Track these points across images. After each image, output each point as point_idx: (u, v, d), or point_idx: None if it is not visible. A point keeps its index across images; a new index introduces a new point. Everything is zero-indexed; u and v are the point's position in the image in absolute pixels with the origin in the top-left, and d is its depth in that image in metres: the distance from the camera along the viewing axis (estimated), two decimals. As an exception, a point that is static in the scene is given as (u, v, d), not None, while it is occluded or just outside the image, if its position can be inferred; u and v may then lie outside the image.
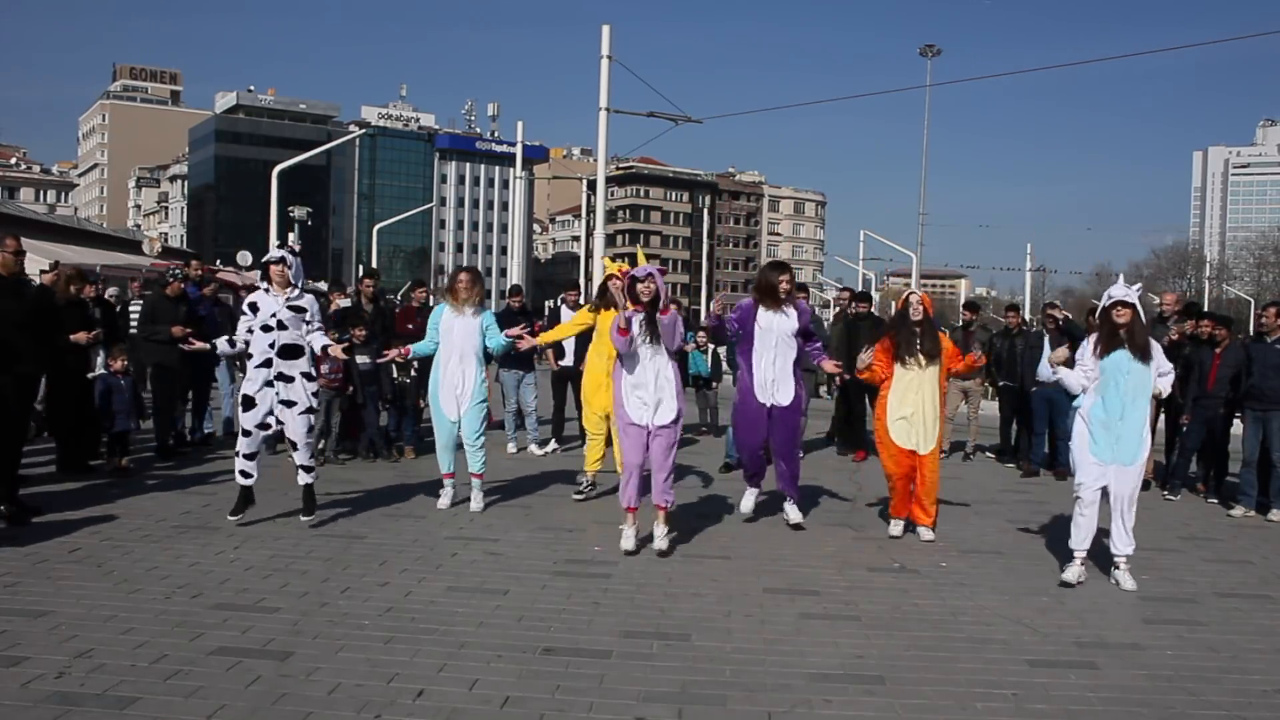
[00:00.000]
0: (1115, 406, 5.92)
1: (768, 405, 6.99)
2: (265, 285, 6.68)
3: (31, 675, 3.92)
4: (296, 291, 6.65)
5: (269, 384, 6.54)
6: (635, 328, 6.18)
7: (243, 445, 6.55)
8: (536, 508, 7.57)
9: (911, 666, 4.42)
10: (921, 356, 6.84)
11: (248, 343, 6.61)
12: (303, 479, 6.68)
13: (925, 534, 6.94)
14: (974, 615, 5.23)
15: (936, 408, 6.92)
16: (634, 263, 6.74)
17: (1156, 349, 6.11)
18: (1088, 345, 6.13)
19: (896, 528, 7.03)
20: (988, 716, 3.93)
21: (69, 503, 6.98)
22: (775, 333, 6.95)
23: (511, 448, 10.38)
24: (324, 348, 6.76)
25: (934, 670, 4.38)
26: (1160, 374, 6.10)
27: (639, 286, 6.26)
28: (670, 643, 4.61)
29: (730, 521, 7.29)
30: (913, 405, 6.86)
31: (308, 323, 6.67)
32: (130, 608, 4.79)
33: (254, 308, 6.60)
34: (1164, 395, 6.52)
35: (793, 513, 7.12)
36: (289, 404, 6.57)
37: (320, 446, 9.26)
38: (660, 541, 6.23)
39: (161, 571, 5.44)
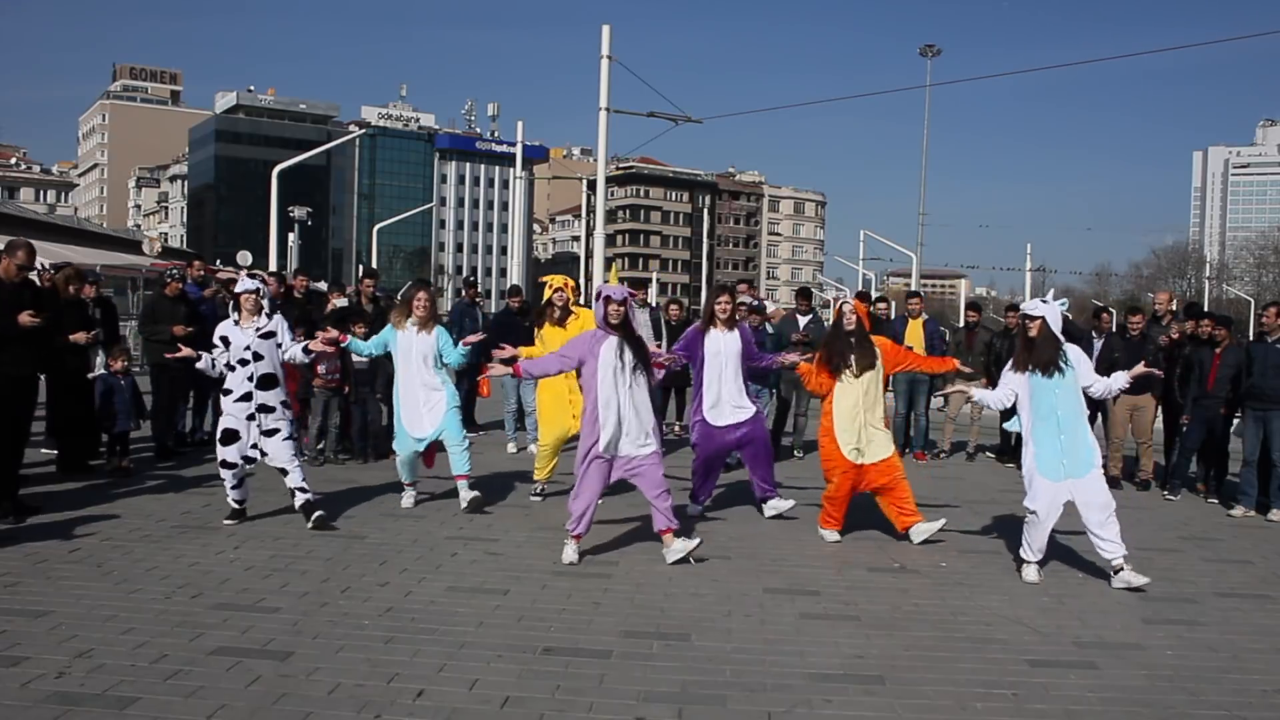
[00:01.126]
0: (1051, 422, 5.85)
1: (723, 425, 7.11)
2: (235, 316, 6.59)
3: (31, 675, 3.92)
4: (263, 318, 6.59)
5: (251, 417, 6.51)
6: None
7: (228, 478, 6.56)
8: (536, 508, 7.57)
9: (911, 666, 4.42)
10: (854, 368, 6.67)
11: (223, 375, 6.59)
12: (299, 499, 6.63)
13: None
14: (974, 615, 5.23)
15: (879, 417, 6.68)
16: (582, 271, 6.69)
17: (1078, 358, 5.95)
18: (1012, 361, 6.13)
19: (831, 537, 6.79)
20: (988, 716, 3.93)
21: (69, 503, 6.99)
22: (722, 354, 7.10)
23: (511, 448, 10.39)
24: (305, 348, 6.74)
25: (934, 670, 4.38)
26: (1087, 386, 5.94)
27: (610, 308, 5.88)
28: (670, 643, 4.61)
29: (730, 521, 7.29)
30: (852, 418, 6.63)
31: (280, 345, 6.63)
32: (130, 608, 4.79)
33: (225, 341, 6.53)
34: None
35: (780, 504, 7.17)
36: (270, 433, 6.54)
37: (320, 446, 9.26)
38: (672, 556, 5.94)
39: (161, 571, 5.44)
